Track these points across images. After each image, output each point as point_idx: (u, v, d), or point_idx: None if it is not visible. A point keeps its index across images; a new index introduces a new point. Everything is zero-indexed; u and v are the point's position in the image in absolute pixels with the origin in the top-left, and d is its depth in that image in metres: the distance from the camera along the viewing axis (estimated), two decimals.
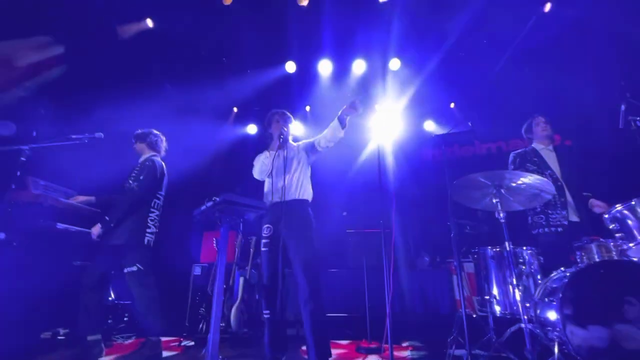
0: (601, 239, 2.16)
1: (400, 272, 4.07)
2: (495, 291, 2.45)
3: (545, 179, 2.07)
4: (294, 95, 5.53)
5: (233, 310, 3.44)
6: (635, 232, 1.97)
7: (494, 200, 2.14)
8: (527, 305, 2.12)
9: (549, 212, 2.65)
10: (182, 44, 4.81)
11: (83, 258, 3.17)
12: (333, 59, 5.28)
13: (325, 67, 5.33)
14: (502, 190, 2.14)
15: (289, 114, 2.67)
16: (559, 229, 2.59)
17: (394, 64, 5.19)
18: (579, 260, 2.23)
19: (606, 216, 2.21)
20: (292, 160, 2.48)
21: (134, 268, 2.53)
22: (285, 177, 2.37)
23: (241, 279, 3.65)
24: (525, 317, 1.91)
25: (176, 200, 2.99)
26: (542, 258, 2.47)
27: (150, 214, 2.72)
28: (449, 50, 4.81)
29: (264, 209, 2.22)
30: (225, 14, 4.54)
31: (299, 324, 3.56)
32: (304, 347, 2.84)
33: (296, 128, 2.67)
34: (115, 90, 4.45)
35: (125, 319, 3.49)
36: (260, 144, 6.11)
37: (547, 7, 4.29)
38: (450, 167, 2.55)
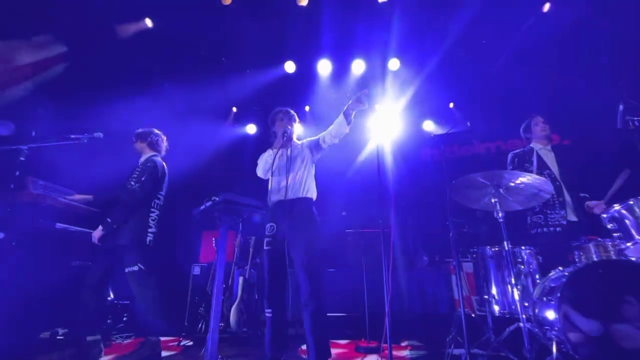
0: (599, 239, 2.17)
1: (399, 271, 4.07)
2: (494, 291, 2.46)
3: (544, 179, 2.07)
4: (293, 95, 5.53)
5: (232, 310, 3.45)
6: (633, 232, 1.98)
7: (493, 200, 2.14)
8: (526, 304, 2.13)
9: (548, 212, 2.66)
10: (181, 44, 4.81)
11: (82, 258, 3.17)
12: (332, 59, 5.29)
13: (324, 67, 5.33)
14: (501, 190, 2.15)
15: (293, 112, 2.65)
16: (558, 229, 2.60)
17: (393, 64, 5.19)
18: (577, 259, 2.24)
19: (604, 216, 2.22)
20: (296, 158, 2.46)
21: (135, 268, 2.53)
22: (288, 176, 2.36)
23: (240, 279, 3.65)
24: (524, 316, 1.92)
25: (175, 199, 2.99)
26: (540, 257, 2.48)
27: (151, 214, 2.72)
28: (448, 50, 4.81)
29: (263, 208, 2.22)
30: (224, 14, 4.54)
31: (298, 323, 3.57)
32: (302, 347, 2.85)
33: (296, 128, 2.66)
34: (114, 89, 4.45)
35: (124, 318, 3.49)
36: (259, 143, 6.15)
37: (546, 7, 4.30)
38: (449, 167, 2.55)
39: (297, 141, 2.61)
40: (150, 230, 2.68)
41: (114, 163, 3.45)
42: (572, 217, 2.64)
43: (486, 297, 2.48)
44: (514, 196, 2.21)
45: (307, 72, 5.42)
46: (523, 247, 2.47)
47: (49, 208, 2.81)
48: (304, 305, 2.11)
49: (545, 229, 2.64)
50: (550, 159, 2.83)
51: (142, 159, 2.88)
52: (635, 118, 2.17)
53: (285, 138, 2.45)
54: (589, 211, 2.62)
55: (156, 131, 2.99)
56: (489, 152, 5.50)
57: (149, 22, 4.54)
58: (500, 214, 2.11)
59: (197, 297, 4.06)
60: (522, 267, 2.41)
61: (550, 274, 2.10)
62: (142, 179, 2.66)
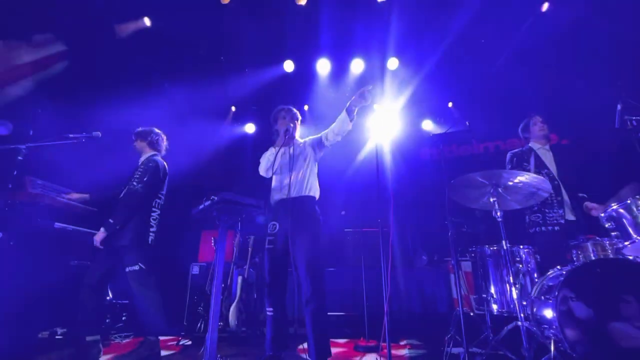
0: (597, 238, 2.18)
1: (398, 271, 4.08)
2: (492, 290, 2.47)
3: (542, 177, 2.08)
4: (292, 94, 5.53)
5: (231, 309, 3.45)
6: (631, 231, 1.99)
7: (492, 199, 2.15)
8: (524, 303, 2.14)
9: (546, 211, 2.67)
10: (180, 43, 4.79)
11: (81, 257, 3.17)
12: (331, 58, 5.28)
13: (323, 67, 5.33)
14: (500, 189, 2.15)
15: (295, 110, 2.63)
16: (556, 228, 2.60)
17: (392, 63, 5.20)
18: (575, 258, 2.25)
19: (602, 215, 2.23)
20: (299, 156, 2.45)
21: (136, 267, 2.53)
22: (291, 174, 2.35)
23: (239, 278, 3.65)
24: (522, 315, 1.93)
25: (174, 199, 2.99)
26: (538, 256, 2.49)
27: (152, 213, 2.73)
28: (446, 50, 4.82)
29: (262, 208, 2.21)
30: (223, 13, 4.53)
31: (297, 322, 3.57)
32: (301, 346, 2.85)
33: (298, 126, 2.65)
34: (112, 89, 4.44)
35: (123, 318, 3.48)
36: (258, 142, 6.14)
37: (545, 6, 4.31)
38: (448, 166, 2.56)
39: (299, 139, 2.59)
40: (151, 229, 2.68)
41: (112, 162, 3.45)
42: (570, 216, 2.64)
43: (485, 296, 2.49)
44: (513, 195, 2.21)
45: (306, 72, 5.42)
46: (521, 246, 2.48)
47: (47, 207, 2.80)
48: (305, 304, 2.11)
49: (543, 228, 2.65)
50: (548, 159, 2.84)
51: (143, 158, 2.87)
52: (634, 117, 2.18)
53: (287, 136, 2.43)
54: (587, 212, 2.63)
55: (156, 130, 2.98)
56: (488, 152, 5.52)
57: (147, 21, 4.53)
58: (498, 213, 2.12)
59: (196, 297, 4.06)
60: (521, 266, 2.41)
61: (549, 273, 2.11)
62: (145, 179, 2.65)
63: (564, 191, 2.70)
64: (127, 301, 3.60)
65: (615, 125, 2.25)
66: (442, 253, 4.33)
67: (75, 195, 3.03)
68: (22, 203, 2.68)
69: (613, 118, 2.26)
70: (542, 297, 1.99)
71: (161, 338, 2.59)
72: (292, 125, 2.50)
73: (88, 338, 2.42)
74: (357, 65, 5.31)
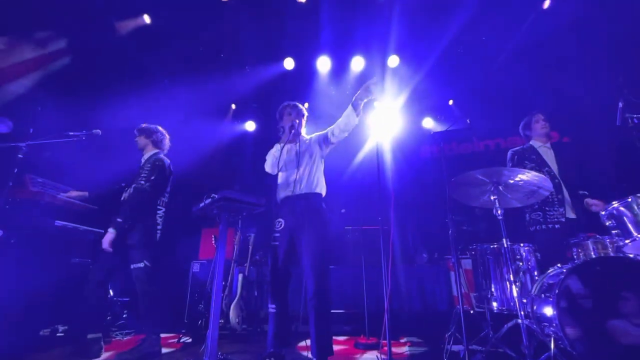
0: (597, 236, 2.18)
1: (399, 268, 4.08)
2: (492, 287, 2.47)
3: (543, 176, 2.07)
4: (292, 92, 5.52)
5: (232, 307, 3.46)
6: (632, 229, 1.99)
7: (492, 198, 2.14)
8: (524, 301, 2.14)
9: (547, 209, 2.66)
10: (180, 40, 4.78)
11: (81, 255, 3.18)
12: (332, 55, 5.27)
13: (323, 64, 5.31)
14: (500, 188, 2.15)
15: (301, 106, 2.60)
16: (556, 226, 2.60)
17: (393, 60, 5.18)
18: (575, 256, 2.25)
19: (603, 213, 2.23)
20: (304, 153, 2.42)
21: (141, 265, 2.54)
22: (297, 171, 2.33)
23: (240, 276, 3.66)
24: (522, 313, 1.93)
25: (174, 196, 2.99)
26: (539, 254, 2.48)
27: (158, 211, 2.75)
28: (447, 47, 4.80)
29: (263, 205, 2.21)
30: (223, 10, 4.51)
31: (297, 320, 3.58)
32: (302, 343, 2.86)
33: (304, 123, 2.62)
34: (112, 86, 4.43)
35: (124, 315, 3.50)
36: (258, 140, 6.14)
37: (547, 3, 4.29)
38: (449, 164, 2.55)
39: (305, 136, 2.57)
40: (158, 227, 2.71)
41: (111, 160, 3.45)
42: (571, 215, 2.64)
43: (485, 293, 2.49)
44: (513, 193, 2.21)
45: (306, 69, 5.40)
46: (522, 244, 2.48)
47: (47, 205, 2.81)
48: (309, 300, 2.10)
49: (544, 226, 2.65)
50: (549, 157, 2.84)
51: (147, 155, 2.87)
52: (635, 115, 2.17)
53: (292, 132, 2.41)
54: (588, 208, 2.63)
55: (161, 129, 2.99)
56: (489, 150, 5.51)
57: (147, 19, 4.52)
58: (499, 211, 2.11)
59: (197, 294, 4.07)
60: (521, 264, 2.41)
61: (549, 271, 2.11)
62: (152, 177, 2.66)
63: (564, 189, 2.70)
64: (127, 299, 3.61)
65: (616, 123, 2.24)
66: (443, 251, 4.33)
67: (74, 193, 3.03)
68: (22, 201, 2.69)
69: (614, 116, 2.25)
70: (543, 295, 1.99)
71: (162, 335, 2.60)
72: (297, 121, 2.47)
73: (89, 335, 2.43)
74: (357, 63, 5.29)
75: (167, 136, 3.04)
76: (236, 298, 3.53)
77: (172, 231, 2.86)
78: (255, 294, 3.88)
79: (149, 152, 2.89)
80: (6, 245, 2.50)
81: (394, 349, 2.61)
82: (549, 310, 1.85)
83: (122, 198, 2.74)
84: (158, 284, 2.58)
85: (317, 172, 2.41)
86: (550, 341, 1.84)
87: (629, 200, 2.00)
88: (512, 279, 2.06)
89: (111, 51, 4.40)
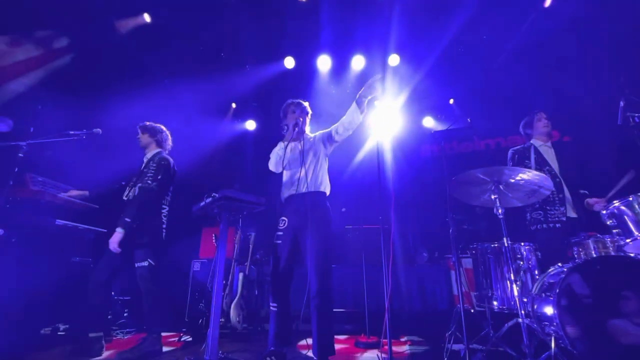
0: (598, 235, 2.18)
1: (399, 267, 4.08)
2: (493, 286, 2.47)
3: (544, 175, 2.07)
4: (292, 91, 5.50)
5: (232, 306, 3.46)
6: (632, 228, 1.98)
7: (493, 197, 2.14)
8: (525, 300, 2.14)
9: (548, 208, 2.66)
10: (180, 39, 4.77)
11: (82, 254, 3.18)
12: (332, 54, 5.26)
13: (324, 63, 5.30)
14: (501, 187, 2.15)
15: (305, 104, 2.58)
16: (557, 225, 2.60)
17: (393, 59, 5.17)
18: (576, 255, 2.25)
19: (604, 212, 2.22)
20: (308, 151, 2.40)
21: (145, 263, 2.55)
22: (301, 169, 2.31)
23: (240, 275, 3.66)
24: (523, 312, 1.93)
25: (175, 195, 3.00)
26: (539, 254, 2.48)
27: (162, 210, 2.76)
28: (448, 46, 4.79)
29: (263, 205, 2.21)
30: (223, 9, 4.50)
31: (298, 318, 3.58)
32: (300, 342, 2.87)
33: (308, 120, 2.60)
34: (112, 85, 4.43)
35: (125, 314, 3.50)
36: (259, 139, 6.14)
37: (547, 2, 4.27)
38: (449, 163, 2.55)
39: (309, 134, 2.55)
40: (163, 226, 2.73)
41: (111, 159, 3.45)
42: (572, 214, 2.64)
43: (485, 292, 2.49)
44: (514, 192, 2.21)
45: (306, 68, 5.40)
46: (522, 243, 2.48)
47: (48, 204, 2.81)
48: (311, 299, 2.09)
49: (545, 225, 2.64)
50: (550, 156, 2.83)
51: (150, 154, 2.87)
52: (636, 114, 2.17)
53: (296, 131, 2.39)
54: (589, 208, 2.62)
55: (165, 130, 2.99)
56: (489, 149, 5.50)
57: (147, 18, 4.51)
58: (500, 211, 2.11)
59: (197, 293, 4.08)
60: (522, 263, 2.41)
61: (549, 270, 2.10)
62: (159, 177, 2.67)
63: (565, 188, 2.69)
64: (129, 297, 3.61)
65: (617, 122, 2.23)
66: (443, 250, 4.33)
67: (74, 193, 3.03)
68: (23, 200, 2.69)
69: (615, 115, 2.25)
70: (543, 294, 1.99)
71: (163, 334, 2.61)
72: (301, 119, 2.45)
73: (91, 334, 2.44)
74: (357, 62, 5.28)
75: (169, 135, 3.04)
76: (237, 297, 3.53)
77: (172, 230, 2.87)
78: (256, 293, 3.88)
79: (152, 151, 2.89)
80: (7, 244, 2.50)
81: (394, 348, 2.61)
82: (549, 310, 1.85)
83: (124, 197, 2.74)
84: (161, 283, 2.59)
85: (321, 171, 2.39)
86: (550, 340, 1.84)
87: (630, 199, 2.00)
88: (512, 278, 2.07)
89: (111, 50, 4.39)
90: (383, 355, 2.39)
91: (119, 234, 2.45)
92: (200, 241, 4.81)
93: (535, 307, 2.02)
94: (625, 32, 4.06)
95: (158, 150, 2.90)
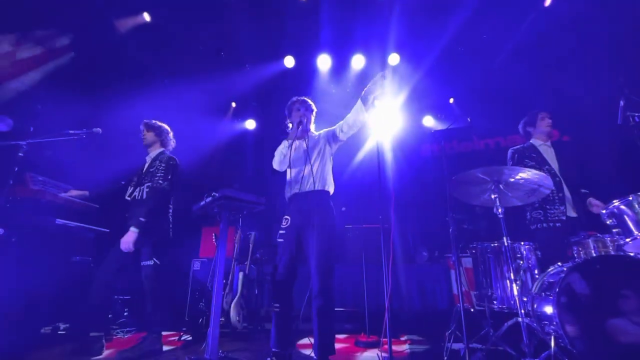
0: (598, 234, 2.18)
1: (399, 267, 4.09)
2: (493, 286, 2.47)
3: (544, 174, 2.07)
4: (292, 90, 5.49)
5: (232, 305, 3.46)
6: (632, 227, 1.98)
7: (493, 196, 2.14)
8: (525, 299, 2.14)
9: (547, 207, 2.66)
10: (180, 38, 4.77)
11: (82, 253, 3.18)
12: (332, 54, 5.26)
13: (324, 62, 5.30)
14: (501, 186, 2.15)
15: (310, 102, 2.54)
16: (557, 224, 2.60)
17: (393, 59, 5.17)
18: (576, 255, 2.25)
19: (604, 212, 2.23)
20: (313, 150, 2.37)
21: (151, 262, 2.57)
22: (305, 168, 2.29)
23: (240, 274, 3.66)
24: (523, 311, 1.93)
25: (175, 195, 3.00)
26: (539, 253, 2.48)
27: (169, 209, 2.80)
28: (448, 45, 4.79)
29: (263, 204, 2.20)
30: (223, 8, 4.50)
31: (298, 318, 3.59)
32: (300, 342, 2.87)
33: (313, 118, 2.56)
34: (112, 85, 4.43)
35: (125, 313, 3.50)
36: (259, 139, 6.14)
37: (548, 1, 4.27)
38: (449, 162, 2.55)
39: (314, 132, 2.52)
40: (170, 226, 2.75)
41: (111, 158, 3.45)
42: (572, 213, 2.64)
43: (485, 292, 2.49)
44: (514, 192, 2.21)
45: (306, 67, 5.39)
46: (522, 243, 2.48)
47: (48, 204, 2.81)
48: (313, 299, 2.08)
49: (545, 225, 2.65)
50: (550, 155, 2.83)
51: (154, 154, 2.87)
52: (636, 114, 2.17)
53: (300, 129, 2.37)
54: (590, 208, 2.62)
55: (169, 130, 3.01)
56: (489, 148, 5.51)
57: (146, 17, 4.50)
58: (499, 210, 2.11)
59: (198, 293, 4.08)
60: (521, 262, 2.41)
61: (549, 270, 2.11)
62: (169, 177, 2.70)
63: (565, 188, 2.69)
64: (129, 297, 3.62)
65: (617, 122, 2.23)
66: (443, 249, 4.34)
67: (74, 192, 3.03)
68: (23, 199, 2.69)
69: (615, 115, 2.25)
70: (543, 294, 1.99)
71: (163, 333, 2.61)
72: (305, 117, 2.43)
73: (92, 334, 2.44)
74: (357, 61, 5.28)
75: (173, 137, 3.06)
76: (237, 296, 3.53)
77: (173, 229, 2.87)
78: (256, 292, 3.88)
79: (156, 150, 2.89)
80: (7, 243, 2.50)
81: (394, 347, 2.61)
82: (549, 309, 1.85)
83: (126, 197, 2.74)
84: (165, 282, 2.60)
85: (325, 169, 2.37)
86: (550, 339, 1.84)
87: (630, 198, 2.00)
88: (512, 277, 2.07)
89: (111, 50, 4.39)
90: (383, 354, 2.39)
91: (133, 233, 2.46)
92: (200, 240, 4.82)
93: (535, 306, 2.02)
94: (625, 32, 4.06)
95: (162, 149, 2.91)
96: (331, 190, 2.37)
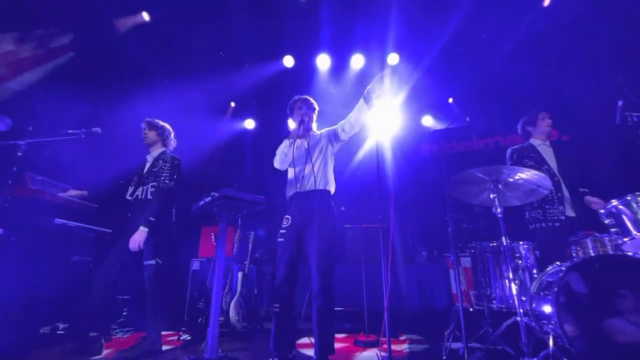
0: (596, 234, 2.18)
1: (398, 266, 4.09)
2: (491, 285, 2.47)
3: (543, 174, 2.08)
4: (292, 89, 5.49)
5: (231, 304, 3.47)
6: (630, 227, 1.99)
7: (492, 196, 2.15)
8: (523, 299, 2.15)
9: (546, 207, 2.67)
10: (180, 38, 4.77)
11: (81, 253, 3.18)
12: (331, 53, 5.26)
13: (323, 62, 5.30)
14: (500, 186, 2.15)
15: (312, 100, 2.52)
16: (556, 224, 2.61)
17: (393, 58, 5.17)
18: (574, 254, 2.25)
19: (602, 211, 2.23)
20: (314, 148, 2.35)
21: (153, 262, 2.56)
22: (307, 167, 2.28)
23: (240, 274, 3.67)
24: (521, 310, 1.94)
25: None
26: (538, 252, 2.49)
27: (173, 209, 2.81)
28: (447, 45, 4.79)
29: (262, 204, 2.20)
30: (223, 8, 4.50)
31: (297, 317, 3.59)
32: (299, 341, 2.87)
33: (315, 117, 2.55)
34: (111, 84, 4.42)
35: (124, 313, 3.50)
36: (258, 138, 6.13)
37: (547, 1, 4.27)
38: (448, 162, 2.55)
39: (316, 131, 2.51)
40: (173, 225, 2.77)
41: (111, 158, 3.45)
42: (571, 213, 2.65)
43: (484, 291, 2.50)
44: (513, 192, 2.21)
45: (306, 67, 5.39)
46: (521, 242, 2.48)
47: (47, 203, 2.81)
48: (313, 299, 2.07)
49: (543, 224, 2.65)
50: (549, 155, 2.84)
51: (155, 153, 2.87)
52: (634, 114, 2.17)
53: (302, 127, 2.35)
54: (588, 205, 2.63)
55: (172, 131, 3.01)
56: (488, 148, 5.51)
57: (146, 16, 4.50)
58: (498, 210, 2.12)
59: (197, 292, 4.08)
60: (520, 262, 2.42)
61: (548, 269, 2.11)
62: (175, 176, 2.71)
63: (564, 187, 2.70)
64: (128, 296, 3.61)
65: (616, 122, 2.24)
66: (442, 249, 4.34)
67: (73, 192, 3.03)
68: (22, 199, 2.69)
69: (614, 114, 2.25)
70: (541, 293, 1.99)
71: (162, 333, 2.61)
72: (307, 116, 2.41)
73: (91, 334, 2.44)
74: (357, 61, 5.28)
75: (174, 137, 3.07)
76: (236, 296, 3.53)
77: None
78: (255, 292, 3.89)
79: (158, 149, 2.90)
80: (6, 243, 2.50)
81: (393, 347, 2.62)
82: (547, 308, 1.85)
83: (127, 196, 2.74)
84: (165, 281, 2.60)
85: (327, 169, 2.35)
86: (549, 339, 1.84)
87: (628, 198, 2.01)
88: (511, 276, 2.07)
89: (111, 50, 4.39)
90: (382, 353, 2.40)
91: (143, 232, 2.46)
92: (200, 240, 4.82)
93: (534, 305, 2.03)
94: (625, 32, 4.06)
95: (163, 149, 2.91)
96: (332, 189, 2.36)
